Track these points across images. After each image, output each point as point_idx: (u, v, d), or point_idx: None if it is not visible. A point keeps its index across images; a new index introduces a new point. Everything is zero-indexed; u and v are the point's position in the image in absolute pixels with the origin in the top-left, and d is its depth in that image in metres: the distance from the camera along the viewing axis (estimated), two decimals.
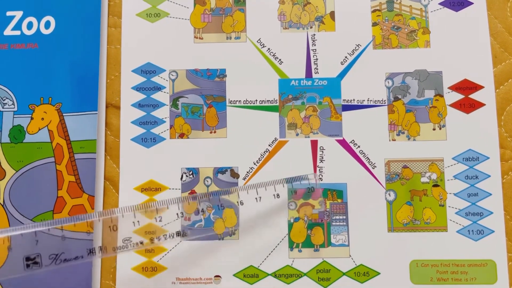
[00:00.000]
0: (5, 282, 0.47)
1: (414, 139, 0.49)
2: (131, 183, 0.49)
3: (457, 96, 0.50)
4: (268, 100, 0.50)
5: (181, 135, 0.50)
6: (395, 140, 0.49)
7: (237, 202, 0.44)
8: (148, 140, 0.50)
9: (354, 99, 0.50)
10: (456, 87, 0.50)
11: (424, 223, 0.48)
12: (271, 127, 0.50)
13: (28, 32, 0.51)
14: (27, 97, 0.49)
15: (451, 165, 0.49)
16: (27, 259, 0.40)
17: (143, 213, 0.42)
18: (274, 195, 0.44)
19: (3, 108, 0.49)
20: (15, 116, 0.49)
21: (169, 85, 0.51)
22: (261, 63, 0.50)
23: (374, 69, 0.50)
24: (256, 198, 0.44)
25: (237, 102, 0.50)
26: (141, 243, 0.42)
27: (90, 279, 0.47)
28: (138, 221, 0.42)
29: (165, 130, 0.50)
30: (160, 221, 0.43)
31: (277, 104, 0.50)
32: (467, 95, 0.49)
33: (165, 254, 0.48)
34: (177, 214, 0.43)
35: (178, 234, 0.43)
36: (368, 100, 0.50)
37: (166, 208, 0.42)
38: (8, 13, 0.51)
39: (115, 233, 0.42)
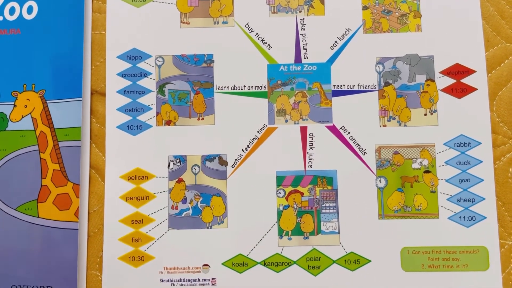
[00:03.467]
0: None
1: (405, 125, 0.48)
2: (117, 171, 0.48)
3: (449, 81, 0.49)
4: (257, 86, 0.49)
5: (168, 123, 0.49)
6: (385, 126, 0.48)
7: None
8: (134, 127, 0.49)
9: (344, 85, 0.49)
10: (447, 72, 0.49)
11: (416, 210, 0.47)
12: (260, 113, 0.49)
13: (10, 18, 0.49)
14: (9, 84, 0.48)
15: (443, 151, 0.48)
16: None
17: None
18: None
19: None
20: None
21: (155, 71, 0.49)
22: (249, 48, 0.49)
23: (365, 54, 0.49)
24: None
25: (225, 88, 0.49)
26: None
27: (76, 269, 0.46)
28: None
29: (151, 118, 0.49)
30: None
31: (266, 90, 0.49)
32: (458, 80, 0.49)
33: (153, 243, 0.47)
34: None
35: None
36: (358, 85, 0.49)
37: None
38: None
39: None
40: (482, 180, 0.47)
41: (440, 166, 0.48)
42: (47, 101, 0.48)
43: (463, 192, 0.47)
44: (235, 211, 0.47)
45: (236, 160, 0.48)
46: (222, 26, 0.50)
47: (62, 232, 0.46)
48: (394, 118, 0.48)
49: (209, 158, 0.48)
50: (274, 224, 0.47)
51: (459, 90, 0.49)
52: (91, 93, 0.49)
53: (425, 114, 0.48)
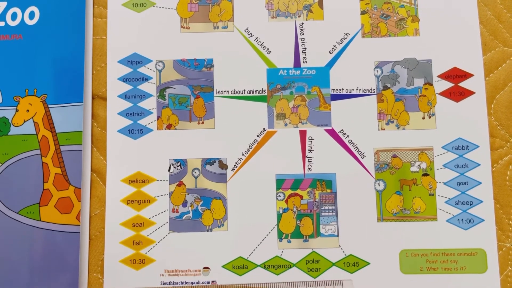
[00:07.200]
0: None
1: (403, 129, 0.49)
2: (118, 174, 0.49)
3: (447, 85, 0.49)
4: (256, 91, 0.50)
5: (169, 127, 0.49)
6: (384, 129, 0.49)
7: None
8: (135, 131, 0.49)
9: (343, 89, 0.49)
10: (445, 76, 0.49)
11: (414, 213, 0.48)
12: (260, 117, 0.49)
13: (12, 23, 0.50)
14: (11, 89, 0.49)
15: (441, 154, 0.48)
16: None
17: None
18: None
19: None
20: None
21: (156, 75, 0.50)
22: (249, 53, 0.50)
23: (363, 58, 0.50)
24: None
25: (225, 92, 0.50)
26: None
27: (78, 272, 0.46)
28: None
29: (152, 122, 0.49)
30: None
31: (265, 94, 0.49)
32: (456, 84, 0.49)
33: (153, 246, 0.48)
34: None
35: None
36: (357, 89, 0.49)
37: None
38: None
39: None
40: (480, 183, 0.48)
41: (438, 169, 0.48)
42: (49, 106, 0.49)
43: (461, 194, 0.48)
44: (235, 214, 0.48)
45: (236, 163, 0.48)
46: (222, 31, 0.50)
47: (64, 235, 0.47)
48: (392, 122, 0.49)
49: (209, 162, 0.49)
50: (273, 227, 0.48)
51: (457, 94, 0.49)
52: (92, 98, 0.50)
53: (423, 118, 0.49)
